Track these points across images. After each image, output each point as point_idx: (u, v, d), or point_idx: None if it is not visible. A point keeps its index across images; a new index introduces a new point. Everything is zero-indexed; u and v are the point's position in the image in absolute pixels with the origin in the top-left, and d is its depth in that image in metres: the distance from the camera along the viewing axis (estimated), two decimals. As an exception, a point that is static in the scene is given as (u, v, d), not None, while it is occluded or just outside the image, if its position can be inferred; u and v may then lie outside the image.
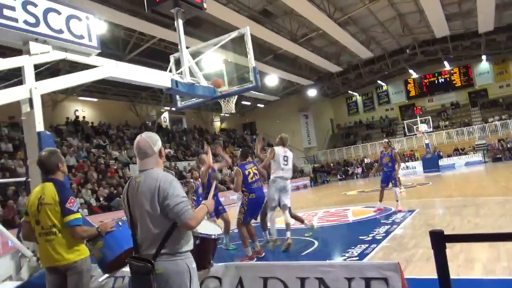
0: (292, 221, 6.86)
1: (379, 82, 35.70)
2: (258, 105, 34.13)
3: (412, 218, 8.02)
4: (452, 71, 34.54)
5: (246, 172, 6.18)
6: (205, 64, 6.87)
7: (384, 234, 6.62)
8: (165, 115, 29.76)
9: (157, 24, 16.51)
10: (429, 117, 30.40)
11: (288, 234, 6.41)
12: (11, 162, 15.17)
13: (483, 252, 4.64)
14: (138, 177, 2.46)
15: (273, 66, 24.86)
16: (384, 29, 24.80)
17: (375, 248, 5.73)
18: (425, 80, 35.68)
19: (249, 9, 18.80)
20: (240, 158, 6.49)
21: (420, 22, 23.96)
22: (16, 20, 4.08)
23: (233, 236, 7.40)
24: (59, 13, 4.54)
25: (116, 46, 18.27)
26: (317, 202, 9.95)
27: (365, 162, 32.20)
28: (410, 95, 36.51)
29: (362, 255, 5.40)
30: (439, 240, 1.92)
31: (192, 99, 6.85)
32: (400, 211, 8.93)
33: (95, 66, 5.10)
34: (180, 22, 6.00)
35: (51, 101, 20.55)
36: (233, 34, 6.29)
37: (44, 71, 4.96)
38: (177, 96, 6.95)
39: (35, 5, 4.30)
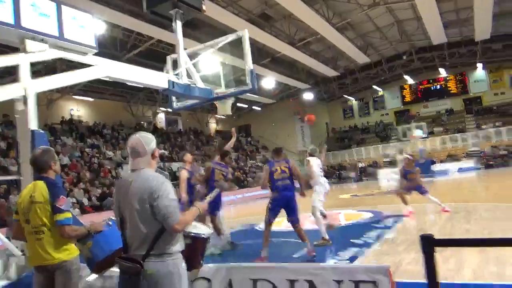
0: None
1: (375, 87, 35.87)
2: (254, 107, 34.16)
3: (404, 222, 8.07)
4: (447, 78, 34.79)
5: (273, 169, 5.95)
6: (202, 65, 6.89)
7: (376, 238, 6.66)
8: (161, 115, 29.72)
9: (156, 25, 16.50)
10: (424, 123, 30.59)
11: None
12: (4, 161, 15.08)
13: (472, 257, 4.68)
14: (130, 177, 2.46)
15: (270, 69, 24.91)
16: (382, 35, 24.95)
17: (366, 251, 5.76)
18: (421, 87, 35.91)
19: (248, 12, 18.84)
20: (273, 155, 6.43)
21: (418, 29, 24.13)
22: (13, 18, 4.08)
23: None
24: (57, 12, 4.55)
25: (113, 46, 18.23)
26: (310, 205, 9.94)
27: (359, 166, 32.31)
28: (405, 100, 36.73)
29: (353, 258, 5.44)
30: (429, 244, 1.94)
31: (188, 100, 6.86)
32: (446, 211, 8.63)
33: (91, 66, 5.10)
34: (179, 23, 6.03)
35: (47, 99, 20.46)
36: (231, 37, 6.33)
37: (41, 70, 4.97)
38: (173, 97, 6.96)
39: (33, 4, 4.30)
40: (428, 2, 18.42)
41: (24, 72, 4.15)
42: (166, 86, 5.69)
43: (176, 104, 7.04)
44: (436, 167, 27.93)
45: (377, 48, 27.62)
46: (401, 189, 9.37)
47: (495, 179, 17.43)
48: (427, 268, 1.93)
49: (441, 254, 4.71)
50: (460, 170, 27.00)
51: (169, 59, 6.57)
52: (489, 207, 8.88)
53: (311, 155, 7.42)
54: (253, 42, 20.08)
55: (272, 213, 5.99)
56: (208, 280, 2.96)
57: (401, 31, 24.84)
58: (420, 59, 29.75)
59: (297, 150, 35.57)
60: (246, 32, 6.24)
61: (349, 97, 38.01)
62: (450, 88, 34.96)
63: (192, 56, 6.35)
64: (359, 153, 34.13)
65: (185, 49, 6.30)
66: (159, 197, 2.30)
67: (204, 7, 6.25)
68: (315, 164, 7.21)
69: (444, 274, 4.11)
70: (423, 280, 1.93)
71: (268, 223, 5.96)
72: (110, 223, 3.14)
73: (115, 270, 2.70)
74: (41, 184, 2.94)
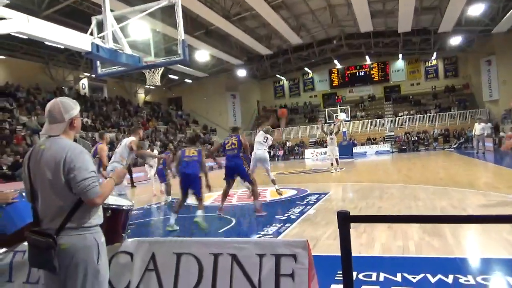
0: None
1: (306, 69, 36.89)
2: (186, 80, 33.33)
3: (325, 200, 8.54)
4: (371, 66, 36.90)
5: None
6: (131, 31, 6.48)
7: (298, 214, 6.96)
8: (84, 81, 27.73)
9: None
10: (348, 107, 32.30)
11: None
12: None
13: (382, 233, 5.11)
14: (42, 144, 2.26)
15: (204, 42, 24.33)
16: (315, 18, 25.51)
17: (289, 227, 6.01)
18: (348, 72, 37.69)
19: (182, -21, 18.03)
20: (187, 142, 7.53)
21: (348, 15, 25.04)
22: None
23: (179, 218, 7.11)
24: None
25: (30, 0, 16.43)
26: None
27: (287, 145, 33.34)
28: (333, 84, 38.36)
29: (276, 233, 5.64)
30: (344, 220, 2.05)
31: (114, 67, 6.44)
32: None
33: (2, 19, 4.54)
34: (105, -19, 5.57)
35: None
36: (163, 2, 5.98)
37: None
38: (98, 62, 6.48)
39: None
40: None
41: None
42: (89, 49, 5.27)
43: (101, 70, 6.57)
44: (356, 149, 29.89)
45: (309, 30, 28.25)
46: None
47: (406, 162, 19.10)
48: (341, 243, 2.05)
49: (356, 230, 5.11)
50: (377, 152, 29.21)
51: (94, 20, 6.07)
52: (399, 187, 9.72)
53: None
54: (186, 11, 19.48)
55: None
56: (130, 254, 2.87)
57: (332, 16, 25.61)
58: (349, 45, 31.07)
59: (228, 126, 35.64)
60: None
61: (281, 77, 38.69)
62: (373, 76, 37.18)
63: (120, 19, 5.93)
64: (288, 133, 35.15)
65: (112, 10, 5.86)
66: (76, 168, 2.14)
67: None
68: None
69: (357, 248, 4.45)
70: (339, 253, 2.04)
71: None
72: (24, 194, 2.88)
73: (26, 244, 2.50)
74: None
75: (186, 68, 28.52)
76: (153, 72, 6.81)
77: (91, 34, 5.77)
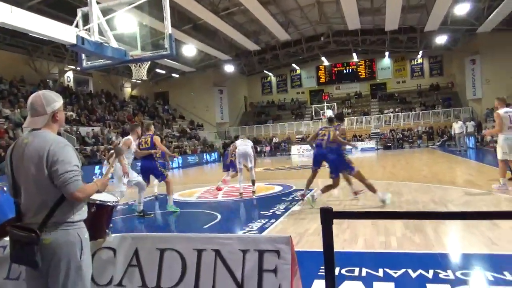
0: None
1: (293, 65, 36.95)
2: (173, 74, 33.06)
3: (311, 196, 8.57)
4: (358, 63, 37.19)
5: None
6: (117, 24, 6.39)
7: (284, 210, 7.00)
8: (69, 74, 27.27)
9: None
10: (335, 103, 32.50)
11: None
12: None
13: (366, 228, 5.18)
14: (25, 138, 2.22)
15: (191, 36, 24.15)
16: (303, 14, 25.56)
17: (274, 223, 6.04)
18: (335, 69, 37.91)
19: (170, -27, 17.83)
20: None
21: (336, 13, 25.14)
22: None
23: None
24: None
25: (13, -10, 16.04)
26: (224, 177, 10.11)
27: (274, 141, 33.41)
28: (320, 81, 38.54)
29: (261, 229, 5.66)
30: (327, 217, 2.08)
31: (100, 60, 6.36)
32: None
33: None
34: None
35: None
36: (150, -4, 5.93)
37: None
38: (83, 55, 6.39)
39: None
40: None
41: None
42: (74, 41, 5.19)
43: (86, 63, 6.48)
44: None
45: (297, 26, 28.28)
46: None
47: (390, 159, 19.35)
48: (324, 238, 2.07)
49: (340, 226, 5.16)
50: (363, 150, 29.45)
51: (79, 12, 5.97)
52: (383, 184, 9.84)
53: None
54: (174, 5, 19.29)
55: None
56: (113, 249, 2.85)
57: (320, 13, 25.70)
58: (336, 42, 31.23)
59: (215, 122, 35.56)
60: (167, -7, 5.90)
61: (268, 73, 38.69)
62: (360, 73, 37.49)
63: (106, 11, 5.85)
64: (275, 129, 35.21)
65: (98, 3, 5.78)
66: (59, 162, 2.11)
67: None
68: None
69: (341, 244, 4.50)
70: (322, 249, 2.07)
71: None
72: (6, 188, 2.84)
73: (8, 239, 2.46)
74: None
75: (173, 62, 28.28)
76: (140, 66, 6.73)
77: (77, 26, 5.68)
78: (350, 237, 4.84)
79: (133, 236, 2.88)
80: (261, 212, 6.93)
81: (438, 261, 3.88)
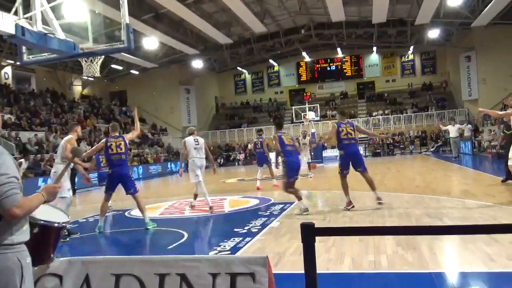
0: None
1: (271, 61, 37.24)
2: (132, 71, 32.69)
3: (291, 210, 8.63)
4: (344, 59, 37.87)
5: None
6: (65, 11, 6.29)
7: (260, 227, 7.00)
8: (7, 70, 26.53)
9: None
10: (318, 105, 32.88)
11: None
12: None
13: (353, 246, 5.24)
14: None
15: (153, 27, 23.97)
16: (281, 4, 25.83)
17: (249, 241, 6.03)
18: (317, 65, 38.45)
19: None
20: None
21: (318, 2, 25.56)
22: None
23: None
24: None
25: None
26: (191, 189, 10.05)
27: (249, 148, 33.42)
28: (301, 79, 38.98)
29: (235, 249, 5.64)
30: (308, 233, 2.09)
31: (44, 54, 6.23)
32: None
33: None
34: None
35: None
36: (103, -20, 5.87)
37: None
38: (24, 48, 6.25)
39: None
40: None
41: None
42: (13, 32, 5.06)
43: (27, 57, 6.34)
44: (327, 152, 30.41)
45: (275, 17, 28.56)
46: None
47: (380, 168, 19.70)
48: (305, 259, 2.08)
49: (324, 244, 5.21)
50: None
51: (19, -3, 5.84)
52: (372, 195, 9.99)
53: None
54: (133, -8, 19.14)
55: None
56: (59, 276, 2.77)
57: (300, 2, 26.05)
58: (318, 35, 31.69)
59: (181, 126, 35.26)
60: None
61: (242, 70, 38.83)
62: (345, 70, 38.16)
63: (51, -3, 5.75)
64: (250, 133, 35.24)
65: (41, -13, 5.66)
66: None
67: None
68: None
69: (325, 264, 4.53)
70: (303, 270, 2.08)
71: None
72: None
73: None
74: None
75: (131, 57, 27.97)
76: (92, 60, 6.63)
77: (16, 13, 5.54)
78: (335, 256, 4.88)
79: (83, 260, 2.82)
80: (235, 230, 6.90)
81: (433, 281, 3.97)
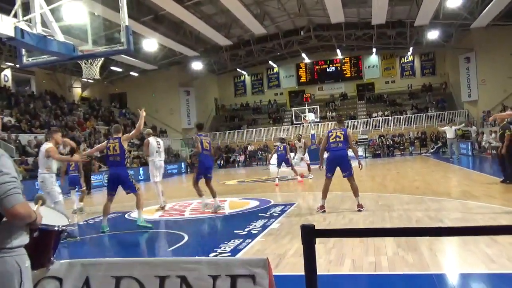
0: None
1: (270, 63, 37.27)
2: (131, 73, 32.68)
3: (291, 212, 8.63)
4: (343, 61, 37.89)
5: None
6: (65, 14, 6.30)
7: (261, 229, 6.99)
8: (7, 72, 26.53)
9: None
10: (317, 106, 32.88)
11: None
12: None
13: (354, 248, 5.23)
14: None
15: (153, 29, 23.98)
16: (280, 6, 25.85)
17: (250, 243, 6.02)
18: (317, 67, 38.48)
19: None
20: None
21: (317, 4, 25.60)
22: None
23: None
24: None
25: None
26: (192, 191, 10.04)
27: (249, 149, 33.43)
28: (301, 81, 38.99)
29: (235, 251, 5.63)
30: (309, 235, 2.08)
31: (43, 56, 6.24)
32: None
33: None
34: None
35: None
36: (103, -18, 5.87)
37: None
38: (23, 50, 6.25)
39: None
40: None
41: None
42: (12, 34, 5.06)
43: (26, 60, 6.35)
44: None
45: (274, 19, 28.58)
46: None
47: (380, 169, 19.72)
48: (305, 261, 2.08)
49: (324, 245, 5.20)
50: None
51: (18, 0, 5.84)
52: (373, 196, 10.01)
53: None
54: (133, -6, 19.17)
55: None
56: (59, 279, 2.77)
57: (300, 4, 26.08)
58: (318, 37, 31.73)
59: (181, 128, 35.26)
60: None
61: (242, 71, 38.83)
62: (345, 72, 38.18)
63: (50, 0, 5.75)
64: (250, 135, 35.24)
65: (41, -11, 5.67)
66: None
67: None
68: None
69: (326, 266, 4.53)
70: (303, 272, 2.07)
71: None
72: None
73: None
74: None
75: (131, 59, 27.97)
76: (91, 63, 6.64)
77: (15, 16, 5.55)
78: (336, 258, 4.87)
79: (83, 263, 2.81)
80: (235, 231, 6.89)
81: (434, 282, 3.96)
